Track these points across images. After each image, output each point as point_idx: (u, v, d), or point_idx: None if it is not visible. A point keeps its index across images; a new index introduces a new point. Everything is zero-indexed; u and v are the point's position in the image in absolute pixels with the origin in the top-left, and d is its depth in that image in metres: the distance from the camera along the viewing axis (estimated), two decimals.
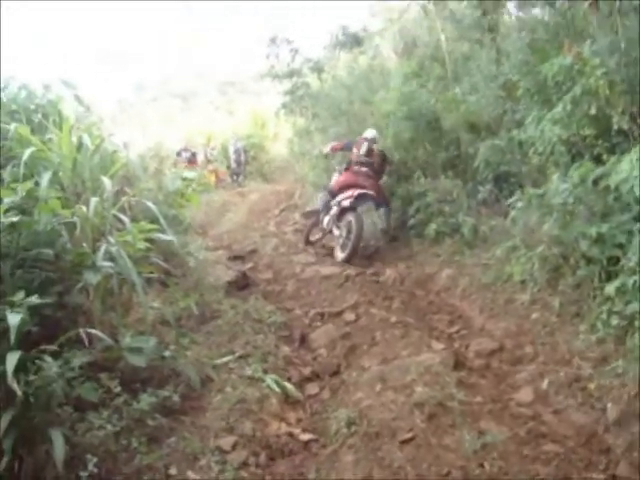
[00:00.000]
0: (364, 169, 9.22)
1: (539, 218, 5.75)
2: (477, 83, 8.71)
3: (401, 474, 3.64)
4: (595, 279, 5.01)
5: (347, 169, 9.44)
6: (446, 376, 4.61)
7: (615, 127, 5.39)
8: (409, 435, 3.94)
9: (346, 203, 8.85)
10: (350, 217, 8.69)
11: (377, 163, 9.34)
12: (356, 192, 8.83)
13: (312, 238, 9.98)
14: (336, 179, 9.63)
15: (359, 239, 8.51)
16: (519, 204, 5.97)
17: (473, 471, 3.53)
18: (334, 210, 9.10)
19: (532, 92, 6.89)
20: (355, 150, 9.45)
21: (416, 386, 4.51)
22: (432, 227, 8.09)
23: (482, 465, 3.57)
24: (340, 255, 8.69)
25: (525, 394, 4.44)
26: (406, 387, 4.55)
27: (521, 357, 5.05)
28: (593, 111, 5.49)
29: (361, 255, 8.80)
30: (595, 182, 5.23)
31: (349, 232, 8.60)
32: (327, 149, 10.18)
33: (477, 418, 4.08)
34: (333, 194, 9.31)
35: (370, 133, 9.68)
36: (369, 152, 9.33)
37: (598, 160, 5.52)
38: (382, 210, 9.24)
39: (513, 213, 6.16)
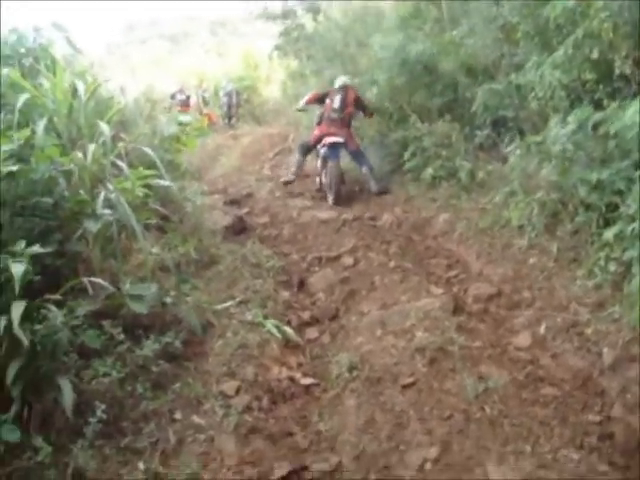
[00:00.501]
0: (335, 118, 9.44)
1: (538, 164, 5.73)
2: (475, 25, 8.55)
3: (403, 418, 3.71)
4: (593, 225, 5.02)
5: (319, 123, 9.69)
6: (446, 321, 4.66)
7: (617, 72, 5.33)
8: (411, 380, 4.02)
9: (322, 152, 9.26)
10: (329, 163, 9.10)
11: (350, 112, 9.57)
12: (327, 140, 9.16)
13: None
14: (312, 132, 9.94)
15: (339, 184, 8.95)
16: (518, 151, 5.95)
17: (474, 414, 3.60)
18: (319, 161, 9.51)
19: (532, 35, 6.79)
20: (328, 101, 9.60)
21: (416, 331, 4.57)
22: (429, 171, 8.06)
23: (483, 408, 3.64)
24: (330, 198, 9.05)
25: (523, 339, 4.48)
26: (406, 332, 4.61)
27: (519, 302, 5.08)
28: (595, 55, 5.42)
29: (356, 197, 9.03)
30: (595, 127, 5.20)
31: (330, 178, 9.02)
32: (301, 104, 10.31)
33: (477, 362, 4.15)
34: (307, 148, 9.78)
35: (340, 81, 9.79)
36: (343, 103, 9.50)
37: (598, 105, 5.47)
38: (364, 169, 9.34)
39: (512, 159, 6.15)
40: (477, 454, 3.32)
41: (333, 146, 9.12)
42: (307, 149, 9.79)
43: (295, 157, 10.12)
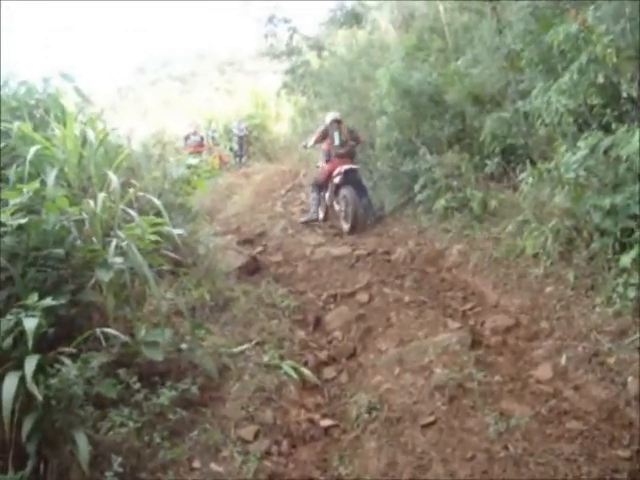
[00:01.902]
0: (343, 153, 9.77)
1: (550, 191, 5.70)
2: (479, 55, 8.62)
3: (425, 459, 3.64)
4: (609, 251, 4.97)
5: (328, 160, 9.95)
6: (464, 355, 4.61)
7: (624, 95, 5.33)
8: (431, 419, 3.95)
9: (337, 180, 9.52)
10: (344, 191, 9.36)
11: (351, 145, 9.95)
12: (342, 168, 9.46)
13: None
14: (321, 170, 10.19)
15: (357, 207, 9.14)
16: (529, 179, 5.92)
17: (498, 453, 3.52)
18: (330, 188, 9.82)
19: (536, 62, 6.83)
20: (329, 139, 9.93)
21: (435, 367, 4.51)
22: (440, 202, 8.03)
23: (506, 447, 3.56)
24: (345, 226, 9.28)
25: (544, 371, 4.41)
26: (425, 369, 4.55)
27: (537, 332, 5.02)
28: (600, 79, 5.43)
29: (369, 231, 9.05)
30: (605, 152, 5.17)
31: (347, 204, 9.24)
32: (310, 144, 10.59)
33: (498, 398, 4.08)
34: (321, 185, 10.03)
35: (332, 116, 10.13)
36: (341, 137, 9.86)
37: (607, 129, 5.46)
38: (364, 200, 9.57)
39: (524, 187, 6.11)
40: None
41: (348, 173, 9.38)
42: (320, 186, 9.98)
43: (311, 196, 10.23)
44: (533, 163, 6.30)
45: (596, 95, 5.60)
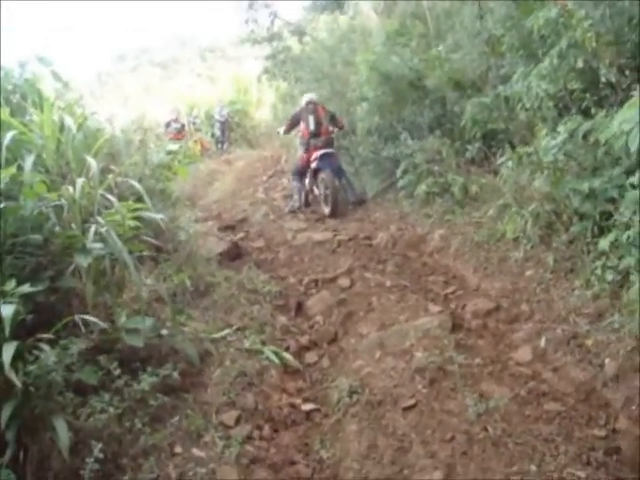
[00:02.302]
0: (319, 145, 9.65)
1: (530, 175, 5.73)
2: (460, 40, 8.62)
3: (405, 441, 3.67)
4: (588, 234, 5.01)
5: (306, 150, 9.82)
6: (444, 339, 4.64)
7: (603, 80, 5.34)
8: (411, 402, 3.99)
9: (314, 165, 9.54)
10: (322, 175, 9.39)
11: (328, 135, 9.80)
12: (318, 153, 9.48)
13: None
14: (299, 157, 10.16)
15: (335, 190, 9.17)
16: (509, 163, 5.93)
17: (477, 435, 3.56)
18: (309, 173, 9.80)
19: (517, 47, 6.84)
20: (303, 124, 9.82)
21: (415, 351, 4.54)
22: (422, 187, 8.03)
23: (485, 428, 3.60)
24: (326, 210, 9.29)
25: (524, 353, 4.47)
26: (405, 352, 4.58)
27: (517, 315, 5.07)
28: (580, 64, 5.45)
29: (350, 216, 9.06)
30: (584, 136, 5.20)
31: (326, 187, 9.25)
32: (282, 131, 10.54)
33: (477, 380, 4.12)
34: (302, 171, 9.96)
35: (307, 98, 10.04)
36: (316, 122, 9.71)
37: (586, 114, 5.48)
38: (343, 180, 9.62)
39: (503, 172, 6.13)
40: (482, 476, 3.28)
41: (324, 157, 9.40)
42: (301, 173, 9.93)
43: (293, 185, 10.24)
44: (513, 147, 6.32)
45: (576, 80, 5.61)
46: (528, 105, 6.02)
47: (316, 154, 9.47)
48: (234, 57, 30.42)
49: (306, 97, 10.07)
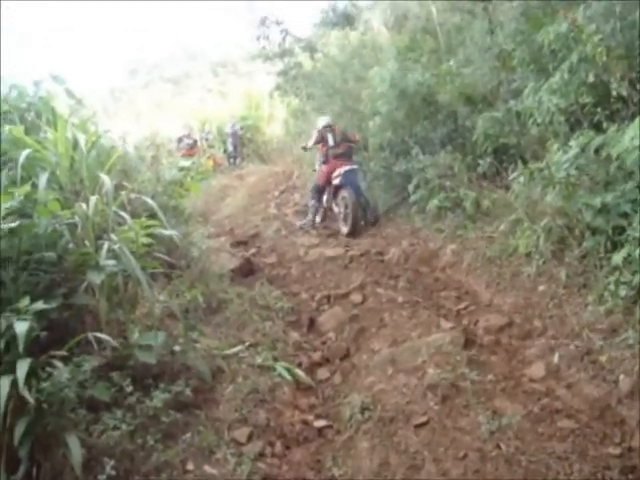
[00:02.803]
0: (340, 153, 9.76)
1: (542, 190, 5.71)
2: (471, 55, 8.65)
3: (418, 459, 3.65)
4: (601, 249, 4.99)
5: (325, 162, 9.88)
6: (457, 355, 4.61)
7: (614, 94, 5.35)
8: (424, 419, 3.96)
9: (336, 182, 9.48)
10: (344, 192, 9.30)
11: (347, 145, 9.95)
12: (342, 169, 9.43)
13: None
14: (319, 172, 10.10)
15: (357, 210, 9.08)
16: (521, 178, 5.92)
17: (490, 452, 3.53)
18: (329, 189, 9.79)
19: (528, 61, 6.87)
20: (323, 143, 9.97)
21: (428, 367, 4.51)
22: (434, 202, 8.03)
23: (498, 446, 3.57)
24: (344, 229, 9.19)
25: (537, 369, 4.43)
26: (418, 369, 4.56)
27: (530, 331, 5.04)
28: (591, 79, 5.47)
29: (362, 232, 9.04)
30: (596, 151, 5.20)
31: (346, 206, 9.18)
32: (310, 144, 10.46)
33: (490, 397, 4.09)
34: (321, 188, 9.95)
35: (324, 121, 10.21)
36: (335, 139, 9.88)
37: (598, 128, 5.49)
38: (361, 199, 9.51)
39: (515, 187, 6.12)
40: None
41: (348, 174, 9.37)
42: (320, 191, 9.93)
43: (310, 203, 10.15)
44: (525, 162, 6.30)
45: (587, 94, 5.62)
46: (539, 120, 6.03)
47: (339, 170, 9.44)
48: (246, 72, 30.50)
49: (323, 120, 10.23)
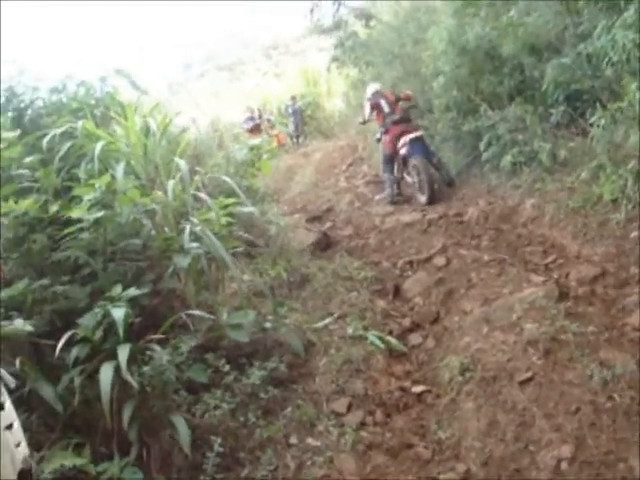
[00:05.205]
0: (397, 119, 9.45)
1: (624, 132, 5.46)
2: (532, 2, 8.32)
3: (527, 416, 3.55)
4: None
5: (386, 131, 9.59)
6: (552, 309, 4.47)
7: None
8: (528, 374, 3.85)
9: (404, 151, 9.16)
10: (414, 161, 8.95)
11: (402, 108, 9.71)
12: (407, 138, 9.10)
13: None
14: (384, 143, 9.76)
15: (431, 177, 8.75)
16: (601, 122, 5.67)
17: (604, 405, 3.40)
18: (398, 160, 9.48)
19: (595, 0, 6.54)
20: (378, 110, 9.77)
21: (524, 323, 4.38)
22: (507, 158, 7.77)
23: (612, 397, 3.43)
24: (422, 198, 8.82)
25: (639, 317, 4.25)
26: (514, 325, 4.43)
27: (627, 279, 4.83)
28: None
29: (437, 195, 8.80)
30: None
31: (419, 174, 8.84)
32: (366, 116, 10.25)
33: (595, 348, 3.94)
34: (391, 158, 9.59)
35: (373, 88, 10.03)
36: (389, 104, 9.67)
37: None
38: (434, 160, 9.18)
39: (595, 132, 5.86)
40: (616, 448, 3.13)
41: (414, 142, 9.06)
42: (391, 161, 9.63)
43: (384, 176, 9.79)
44: (603, 106, 6.04)
45: None
46: (615, 59, 5.74)
47: (404, 139, 9.13)
48: (298, 51, 30.47)
49: (372, 87, 10.06)
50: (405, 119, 9.50)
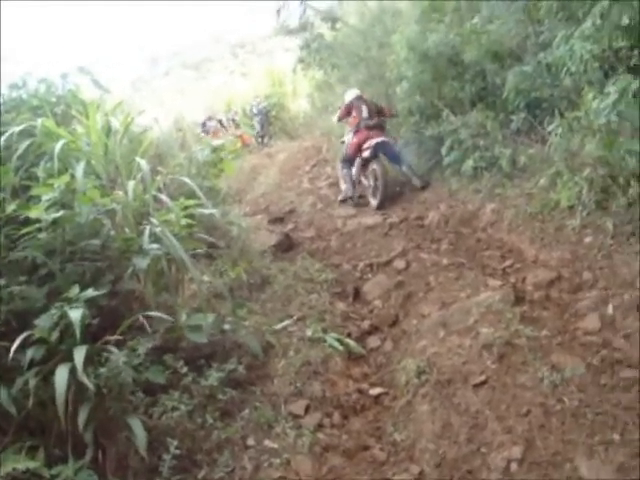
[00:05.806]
0: (371, 125, 9.54)
1: (581, 140, 5.58)
2: (495, 10, 8.43)
3: (480, 418, 3.62)
4: None
5: (356, 132, 9.64)
6: (508, 313, 4.55)
7: None
8: (482, 378, 3.92)
9: (366, 154, 9.26)
10: (374, 165, 9.10)
11: (380, 117, 9.79)
12: (373, 141, 9.19)
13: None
14: (348, 145, 9.82)
15: (386, 184, 8.86)
16: (559, 130, 5.78)
17: (554, 407, 3.48)
18: (358, 162, 9.52)
19: (555, 10, 6.66)
20: (355, 113, 9.78)
21: (480, 327, 4.46)
22: (469, 163, 7.88)
23: (562, 400, 3.52)
24: (373, 202, 8.98)
25: (591, 321, 4.34)
26: (470, 329, 4.51)
27: (581, 284, 4.93)
28: (625, 21, 5.27)
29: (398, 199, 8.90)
30: (635, 95, 5.04)
31: (376, 179, 8.99)
32: (336, 118, 10.43)
33: (547, 352, 4.02)
34: (351, 160, 9.67)
35: (353, 93, 10.07)
36: (369, 110, 9.71)
37: (635, 72, 5.32)
38: (404, 167, 9.28)
39: (553, 139, 5.98)
40: (564, 449, 3.21)
41: (379, 146, 9.16)
42: (350, 161, 9.70)
43: (342, 173, 9.87)
44: (561, 114, 6.16)
45: (621, 38, 5.44)
46: (573, 69, 5.85)
47: (370, 142, 9.21)
48: (265, 51, 30.42)
49: (353, 92, 10.09)
50: (378, 126, 9.58)
